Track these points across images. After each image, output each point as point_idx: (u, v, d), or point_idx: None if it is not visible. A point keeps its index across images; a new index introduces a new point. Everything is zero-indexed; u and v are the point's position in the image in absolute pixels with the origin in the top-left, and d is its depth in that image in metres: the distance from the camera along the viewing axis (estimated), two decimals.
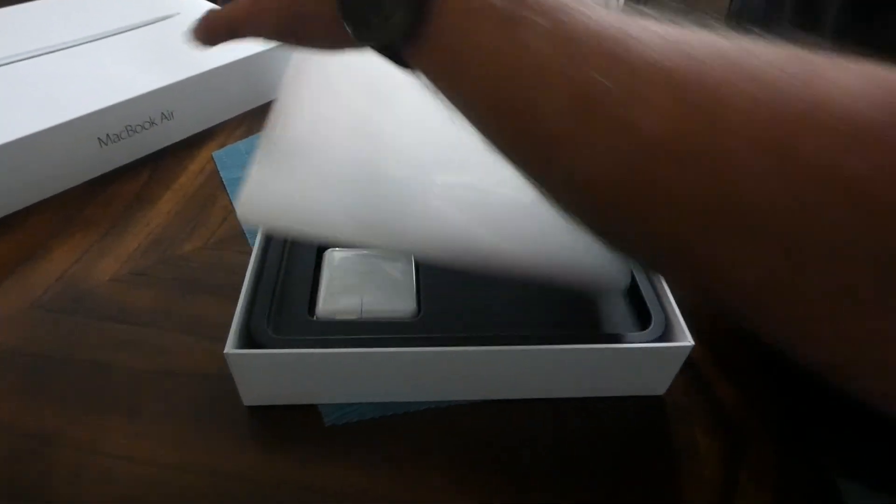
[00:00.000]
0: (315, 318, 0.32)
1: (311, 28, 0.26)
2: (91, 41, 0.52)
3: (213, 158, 0.50)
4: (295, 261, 0.35)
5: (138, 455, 0.30)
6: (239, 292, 0.31)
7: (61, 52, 0.51)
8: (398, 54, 0.23)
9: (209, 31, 0.30)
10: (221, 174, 0.48)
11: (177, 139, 0.51)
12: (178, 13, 0.59)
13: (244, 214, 0.30)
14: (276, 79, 0.57)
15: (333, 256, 0.35)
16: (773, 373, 0.35)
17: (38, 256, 0.39)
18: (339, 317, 0.32)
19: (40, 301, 0.37)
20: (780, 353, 0.18)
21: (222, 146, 0.51)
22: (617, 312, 0.34)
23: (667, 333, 0.32)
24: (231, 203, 0.45)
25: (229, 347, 0.28)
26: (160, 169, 0.48)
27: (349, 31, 0.23)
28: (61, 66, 0.49)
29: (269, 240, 0.35)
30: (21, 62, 0.49)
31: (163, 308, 0.37)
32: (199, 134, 0.52)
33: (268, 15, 0.27)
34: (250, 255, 0.37)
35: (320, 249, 0.36)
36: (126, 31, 0.55)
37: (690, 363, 0.32)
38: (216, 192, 0.46)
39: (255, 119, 0.55)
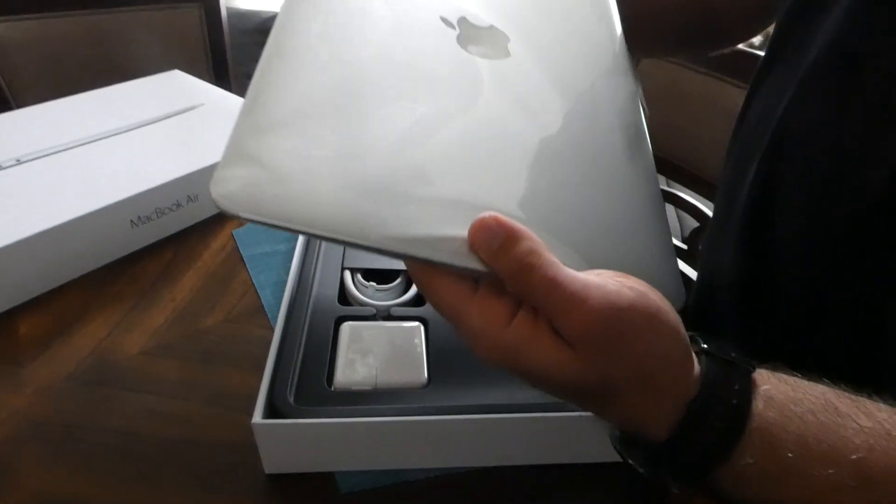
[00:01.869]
0: (333, 388, 0.34)
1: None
2: (126, 131, 0.57)
3: (233, 236, 0.53)
4: (314, 333, 0.38)
5: None
6: (257, 364, 0.34)
7: (99, 142, 0.55)
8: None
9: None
10: (241, 251, 0.51)
11: (200, 219, 0.55)
12: (203, 104, 0.65)
13: (219, 199, 0.20)
14: None
15: (349, 328, 0.38)
16: None
17: (72, 331, 0.42)
18: (355, 387, 0.34)
19: (74, 374, 0.39)
20: None
21: (241, 225, 0.55)
22: None
23: None
24: (251, 279, 0.48)
25: (256, 418, 0.31)
26: (184, 247, 0.52)
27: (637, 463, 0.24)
28: (99, 155, 0.54)
29: (290, 312, 0.38)
30: (64, 152, 0.53)
31: (187, 380, 0.39)
32: (220, 213, 0.56)
33: None
34: (268, 328, 0.40)
35: (338, 322, 0.39)
36: (157, 121, 0.60)
37: None
38: (236, 269, 0.49)
39: None
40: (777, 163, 0.34)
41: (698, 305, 0.47)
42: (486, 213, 0.21)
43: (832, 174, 0.31)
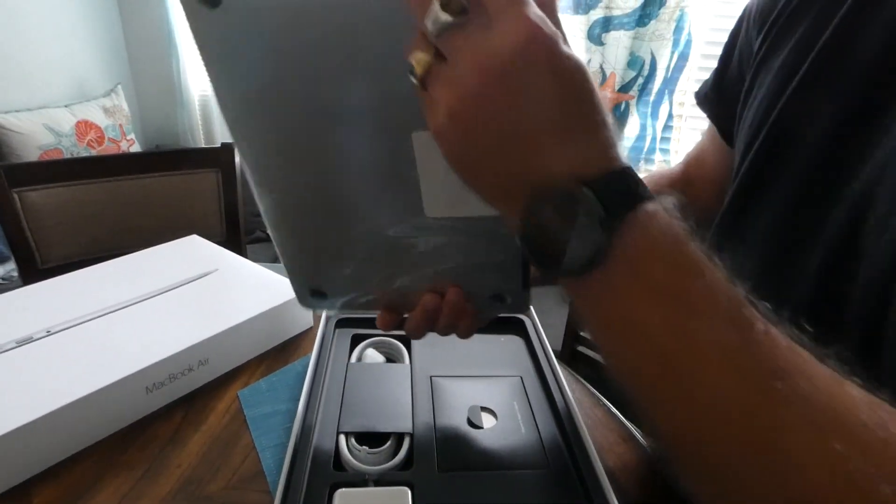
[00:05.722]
0: None
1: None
2: (146, 299, 0.64)
3: (238, 397, 0.57)
4: (310, 500, 0.41)
5: None
6: None
7: (121, 311, 0.62)
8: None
9: None
10: (245, 412, 0.55)
11: (208, 380, 0.59)
12: (216, 269, 0.72)
13: None
14: (291, 322, 0.67)
15: (341, 497, 0.41)
16: None
17: (83, 502, 0.45)
18: None
19: None
20: None
21: (246, 384, 0.59)
22: None
23: None
24: (253, 441, 0.52)
25: None
26: (192, 410, 0.56)
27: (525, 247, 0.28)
28: (120, 324, 0.59)
29: (288, 482, 0.42)
30: (88, 322, 0.59)
31: None
32: (226, 374, 0.61)
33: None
34: (266, 492, 0.42)
35: (332, 488, 0.42)
36: (175, 287, 0.67)
37: None
38: (239, 431, 0.53)
39: (274, 357, 0.64)
40: None
41: None
42: None
43: None
